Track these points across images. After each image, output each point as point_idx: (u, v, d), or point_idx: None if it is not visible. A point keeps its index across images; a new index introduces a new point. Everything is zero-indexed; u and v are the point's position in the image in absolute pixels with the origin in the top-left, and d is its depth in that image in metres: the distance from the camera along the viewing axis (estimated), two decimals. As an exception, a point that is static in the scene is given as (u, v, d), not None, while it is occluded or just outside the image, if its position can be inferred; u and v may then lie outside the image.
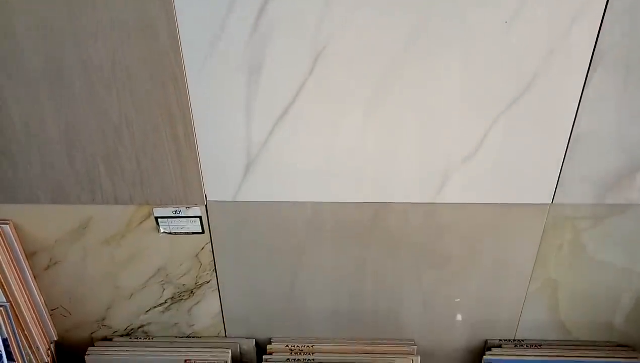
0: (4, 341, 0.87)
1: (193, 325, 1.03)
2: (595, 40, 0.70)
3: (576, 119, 0.77)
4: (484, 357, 0.99)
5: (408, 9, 0.69)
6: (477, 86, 0.75)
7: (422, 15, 0.69)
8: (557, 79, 0.74)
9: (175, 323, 1.02)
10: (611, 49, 0.71)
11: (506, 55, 0.72)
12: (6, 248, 0.88)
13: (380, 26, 0.70)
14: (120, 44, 0.72)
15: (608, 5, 0.68)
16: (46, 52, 0.72)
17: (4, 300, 0.88)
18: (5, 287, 0.88)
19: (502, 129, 0.78)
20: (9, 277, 0.88)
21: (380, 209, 0.87)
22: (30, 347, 0.94)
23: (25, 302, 0.93)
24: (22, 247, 0.91)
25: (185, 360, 0.99)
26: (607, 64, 0.72)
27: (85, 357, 0.99)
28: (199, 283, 0.97)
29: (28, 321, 0.93)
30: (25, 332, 0.93)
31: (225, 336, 1.04)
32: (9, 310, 0.88)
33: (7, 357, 0.88)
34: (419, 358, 1.00)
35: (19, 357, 0.89)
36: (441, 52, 0.72)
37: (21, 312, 0.92)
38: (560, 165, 0.81)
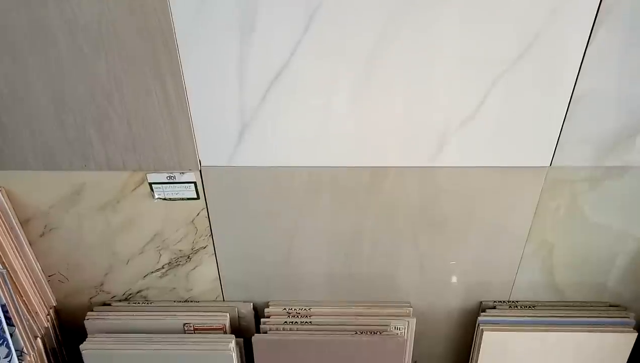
0: (3, 307, 0.87)
1: (191, 289, 1.03)
2: (600, -3, 0.68)
3: (577, 80, 0.75)
4: (479, 318, 1.01)
5: (407, -36, 0.66)
6: (476, 46, 0.72)
7: (421, -30, 0.66)
8: (560, 39, 0.72)
9: (173, 288, 1.03)
10: (616, 6, 0.69)
11: (508, 12, 0.69)
12: (0, 215, 0.87)
13: (377, -18, 0.67)
14: (106, 3, 0.69)
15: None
16: (28, 11, 0.69)
17: (0, 267, 0.88)
18: (0, 255, 0.88)
19: (502, 91, 0.76)
20: (4, 243, 0.88)
21: (377, 173, 0.86)
22: (29, 313, 0.95)
23: (22, 268, 0.93)
24: (16, 214, 0.90)
25: (184, 324, 1.00)
26: (610, 23, 0.70)
27: (84, 321, 1.00)
28: (196, 248, 0.97)
29: (26, 287, 0.94)
30: (24, 298, 0.94)
31: (224, 300, 1.05)
32: (6, 277, 0.88)
33: (6, 323, 0.88)
34: (415, 320, 1.02)
35: (18, 323, 0.90)
36: (440, 9, 0.69)
37: (18, 278, 0.92)
38: (560, 128, 0.80)
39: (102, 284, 1.02)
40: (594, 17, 0.70)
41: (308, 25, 0.70)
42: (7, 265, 0.89)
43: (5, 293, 0.88)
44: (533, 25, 0.70)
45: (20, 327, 0.91)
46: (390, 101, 0.78)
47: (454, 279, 1.01)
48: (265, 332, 1.00)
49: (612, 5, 0.69)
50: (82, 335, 1.00)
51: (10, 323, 0.89)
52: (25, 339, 0.92)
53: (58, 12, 0.69)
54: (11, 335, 0.90)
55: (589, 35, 0.71)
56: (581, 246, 0.95)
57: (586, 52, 0.73)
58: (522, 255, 0.96)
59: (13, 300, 0.89)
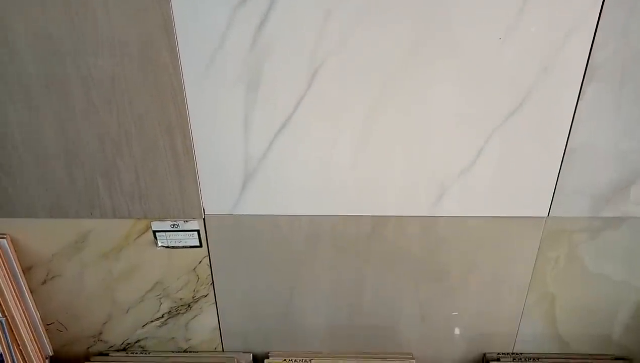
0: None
1: (190, 339, 1.02)
2: (588, 56, 0.72)
3: (571, 132, 0.78)
4: (483, 370, 0.99)
5: (405, 25, 0.70)
6: (473, 100, 0.76)
7: (418, 31, 0.70)
8: (552, 94, 0.75)
9: (172, 338, 1.02)
10: (604, 64, 0.72)
11: (501, 70, 0.73)
12: (3, 262, 0.88)
13: (377, 41, 0.71)
14: (121, 60, 0.72)
15: (600, 21, 0.69)
16: (47, 67, 0.73)
17: (0, 315, 0.88)
18: (1, 302, 0.87)
19: (498, 142, 0.79)
20: (5, 291, 0.88)
21: (377, 222, 0.87)
22: (25, 362, 0.94)
23: (21, 316, 0.92)
24: (19, 262, 0.91)
25: (182, 375, 0.99)
26: (600, 79, 0.73)
27: (81, 372, 0.99)
28: (196, 297, 0.96)
29: (23, 336, 0.93)
30: (21, 347, 0.92)
31: (223, 350, 1.03)
32: (5, 326, 0.87)
33: (2, 373, 0.87)
34: (418, 372, 1.00)
35: (14, 373, 0.89)
36: (438, 67, 0.73)
37: (17, 327, 0.91)
38: (556, 178, 0.82)
39: (100, 333, 1.01)
40: (583, 72, 0.73)
41: (311, 83, 0.74)
42: (6, 313, 0.89)
43: (3, 342, 0.87)
44: (526, 81, 0.74)
45: (15, 377, 0.89)
46: (390, 152, 0.80)
47: (457, 330, 0.99)
48: (265, 385, 0.98)
49: (601, 62, 0.72)
50: (77, 386, 0.98)
51: (5, 374, 0.88)
52: (20, 390, 0.91)
53: (74, 68, 0.73)
54: (6, 386, 0.88)
55: (579, 89, 0.74)
56: (583, 297, 0.95)
57: (578, 105, 0.76)
58: (524, 305, 0.96)
59: (10, 349, 0.88)
